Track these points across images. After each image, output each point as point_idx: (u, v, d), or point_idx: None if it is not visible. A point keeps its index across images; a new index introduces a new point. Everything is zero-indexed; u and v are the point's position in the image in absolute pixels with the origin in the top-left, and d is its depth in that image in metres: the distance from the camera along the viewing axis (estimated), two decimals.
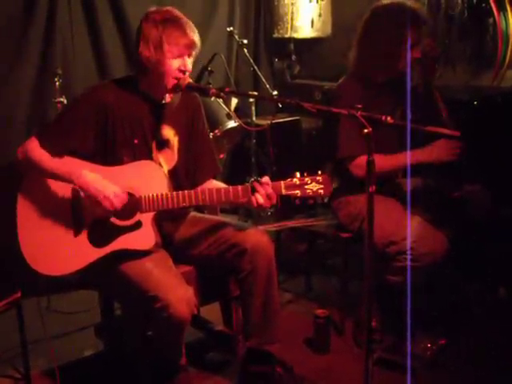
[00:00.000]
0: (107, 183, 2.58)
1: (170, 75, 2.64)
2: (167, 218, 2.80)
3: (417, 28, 3.07)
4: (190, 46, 2.64)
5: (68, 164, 2.62)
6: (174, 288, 2.50)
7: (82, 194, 2.62)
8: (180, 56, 2.63)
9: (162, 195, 2.60)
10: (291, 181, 2.58)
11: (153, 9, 2.68)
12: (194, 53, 2.69)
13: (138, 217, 2.61)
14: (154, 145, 2.76)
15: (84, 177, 2.56)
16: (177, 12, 2.68)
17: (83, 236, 2.62)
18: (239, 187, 2.62)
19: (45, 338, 2.97)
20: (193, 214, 2.99)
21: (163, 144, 2.78)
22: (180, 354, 2.76)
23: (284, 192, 2.58)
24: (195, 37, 2.65)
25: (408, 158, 2.94)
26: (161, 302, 2.45)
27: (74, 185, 2.59)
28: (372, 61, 3.15)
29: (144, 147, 2.73)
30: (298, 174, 2.58)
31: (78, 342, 3.38)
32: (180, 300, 2.47)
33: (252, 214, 4.65)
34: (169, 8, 2.69)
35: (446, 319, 3.31)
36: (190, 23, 2.66)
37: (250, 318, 2.83)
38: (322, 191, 2.57)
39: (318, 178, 2.57)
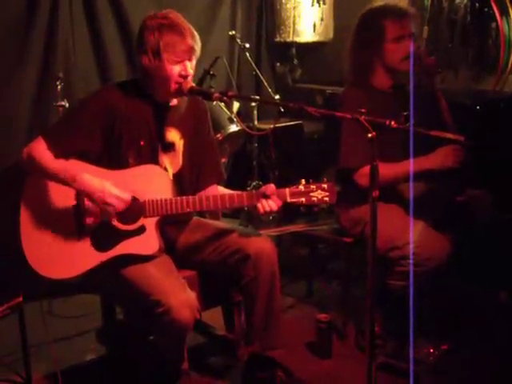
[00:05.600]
0: (109, 186, 2.56)
1: (172, 80, 2.63)
2: (170, 223, 2.79)
3: (396, 21, 3.10)
4: (188, 51, 2.61)
5: (70, 167, 2.60)
6: (177, 293, 2.50)
7: (85, 198, 2.60)
8: (179, 62, 2.61)
9: (166, 200, 2.59)
10: (297, 188, 2.57)
11: (150, 14, 2.65)
12: (194, 56, 2.65)
13: (142, 221, 2.60)
14: (159, 147, 2.75)
15: (86, 180, 2.55)
16: (174, 16, 2.64)
17: (86, 240, 2.62)
18: (244, 193, 2.62)
19: (46, 342, 2.97)
20: (196, 218, 2.99)
21: (168, 147, 2.78)
22: (182, 359, 2.76)
23: (289, 199, 2.57)
24: (193, 41, 2.61)
25: (412, 165, 2.93)
26: (163, 307, 2.44)
27: (76, 188, 2.58)
28: (364, 68, 3.18)
29: (150, 149, 2.72)
30: (303, 181, 2.57)
31: (80, 346, 3.37)
32: (182, 305, 2.46)
33: (253, 219, 4.64)
34: (166, 12, 2.64)
35: (448, 324, 3.30)
36: (188, 27, 2.63)
37: (253, 324, 2.82)
38: (327, 199, 2.56)
39: (323, 185, 2.57)
